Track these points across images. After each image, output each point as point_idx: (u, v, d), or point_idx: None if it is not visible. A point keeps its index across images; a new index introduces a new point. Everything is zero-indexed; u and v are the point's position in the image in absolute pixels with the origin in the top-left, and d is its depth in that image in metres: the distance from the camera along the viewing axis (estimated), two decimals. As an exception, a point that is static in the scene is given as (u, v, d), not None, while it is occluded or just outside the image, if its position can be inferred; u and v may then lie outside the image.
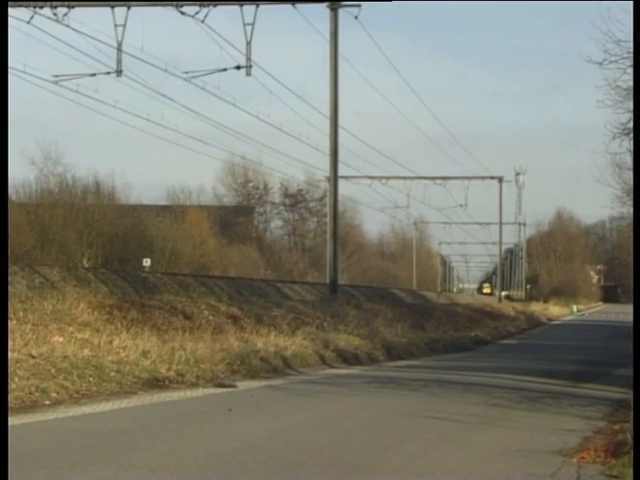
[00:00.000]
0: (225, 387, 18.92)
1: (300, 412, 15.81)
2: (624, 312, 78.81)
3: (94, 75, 33.64)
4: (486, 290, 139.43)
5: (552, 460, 11.55)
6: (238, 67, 33.26)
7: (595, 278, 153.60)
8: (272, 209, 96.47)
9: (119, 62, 32.80)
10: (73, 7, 31.71)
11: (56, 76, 33.96)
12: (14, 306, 21.49)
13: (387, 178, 70.39)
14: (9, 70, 21.77)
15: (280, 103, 46.31)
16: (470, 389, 19.68)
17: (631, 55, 19.84)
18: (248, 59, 32.90)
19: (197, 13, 31.98)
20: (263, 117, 39.83)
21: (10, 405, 14.18)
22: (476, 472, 10.93)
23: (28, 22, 31.40)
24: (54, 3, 31.53)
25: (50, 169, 51.40)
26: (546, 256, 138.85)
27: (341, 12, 38.81)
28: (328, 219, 43.13)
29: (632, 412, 12.91)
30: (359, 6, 37.48)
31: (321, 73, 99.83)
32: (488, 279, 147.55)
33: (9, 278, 23.65)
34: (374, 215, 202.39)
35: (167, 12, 33.26)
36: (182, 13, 32.15)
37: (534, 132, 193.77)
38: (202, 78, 34.51)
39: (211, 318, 27.00)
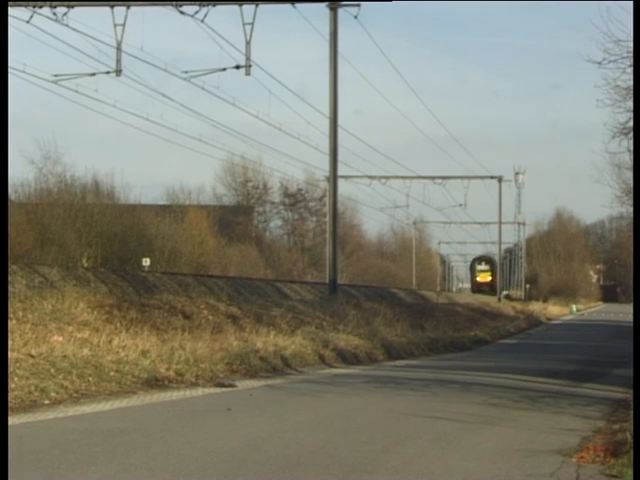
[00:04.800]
0: (224, 387, 18.92)
1: (300, 412, 15.80)
2: (623, 312, 78.88)
3: (94, 75, 33.65)
4: (482, 277, 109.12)
5: (551, 460, 11.55)
6: (237, 67, 33.28)
7: (594, 278, 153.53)
8: (272, 209, 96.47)
9: (119, 62, 32.81)
10: (72, 7, 31.71)
11: (56, 76, 33.98)
12: (14, 306, 21.50)
13: (387, 178, 70.39)
14: (9, 70, 21.76)
15: (280, 103, 46.40)
16: (470, 389, 19.68)
17: (631, 55, 19.85)
18: (247, 59, 32.92)
19: (196, 13, 32.02)
20: (263, 117, 39.85)
21: (10, 405, 14.18)
22: (476, 472, 10.93)
23: (27, 22, 31.42)
24: (53, 3, 31.53)
25: (49, 169, 51.36)
26: (545, 256, 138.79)
27: (341, 12, 38.86)
28: (328, 219, 43.15)
29: (632, 412, 12.92)
30: (359, 6, 37.52)
31: (321, 73, 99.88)
32: (485, 258, 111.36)
33: (9, 278, 23.65)
34: (374, 215, 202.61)
35: (166, 11, 33.35)
36: (181, 12, 32.18)
37: (534, 132, 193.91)
38: (202, 78, 34.56)
39: (210, 318, 27.00)
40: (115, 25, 32.12)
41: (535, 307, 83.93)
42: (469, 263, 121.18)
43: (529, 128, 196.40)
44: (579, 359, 29.82)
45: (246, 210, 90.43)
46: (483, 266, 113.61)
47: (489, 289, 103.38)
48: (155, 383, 18.54)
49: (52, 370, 17.11)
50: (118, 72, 32.97)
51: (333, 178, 40.52)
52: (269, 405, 16.44)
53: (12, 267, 26.07)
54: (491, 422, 14.75)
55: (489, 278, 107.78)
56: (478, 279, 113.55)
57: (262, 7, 32.57)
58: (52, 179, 49.93)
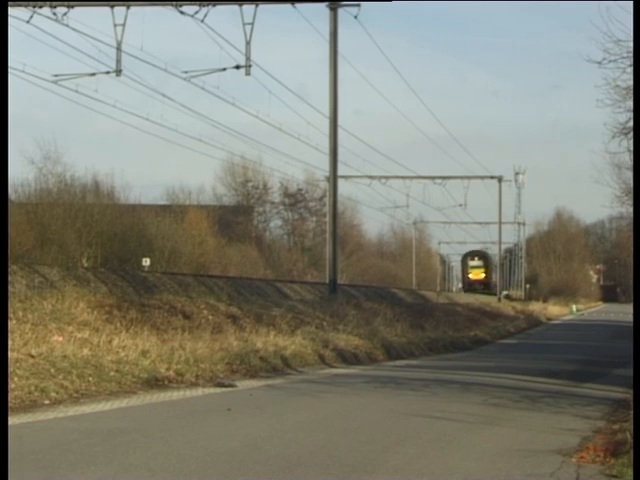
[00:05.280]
0: (224, 387, 18.92)
1: (300, 412, 15.80)
2: (623, 312, 78.87)
3: (94, 75, 33.65)
4: (475, 274, 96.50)
5: (551, 460, 11.55)
6: (237, 67, 33.28)
7: (594, 278, 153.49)
8: (272, 209, 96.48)
9: (119, 62, 32.81)
10: (72, 7, 31.71)
11: (56, 76, 33.97)
12: (14, 306, 21.50)
13: (387, 178, 70.36)
14: (9, 70, 21.76)
15: (280, 103, 46.40)
16: (470, 388, 19.68)
17: (631, 54, 19.85)
18: (247, 59, 32.92)
19: (196, 13, 32.02)
20: (263, 117, 39.84)
21: (10, 405, 14.18)
22: (476, 472, 10.93)
23: (27, 22, 31.42)
24: (53, 3, 31.53)
25: (49, 169, 51.39)
26: (545, 256, 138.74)
27: (341, 12, 38.85)
28: (328, 219, 43.14)
29: (632, 412, 12.92)
30: (359, 6, 37.52)
31: (321, 73, 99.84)
32: (478, 253, 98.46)
33: (9, 277, 23.65)
34: (373, 215, 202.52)
35: (166, 11, 33.36)
36: (181, 12, 32.18)
37: (534, 132, 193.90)
38: (202, 78, 34.55)
39: (210, 318, 27.00)
40: (115, 25, 32.13)
41: (535, 307, 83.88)
42: (461, 261, 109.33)
43: (529, 128, 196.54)
44: (579, 359, 29.82)
45: (246, 210, 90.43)
46: (476, 262, 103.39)
47: (483, 288, 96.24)
48: (155, 383, 18.53)
49: (52, 370, 17.11)
50: (118, 72, 32.96)
51: (333, 178, 40.53)
52: (269, 405, 16.44)
53: (12, 267, 26.07)
54: (491, 422, 14.75)
55: (482, 275, 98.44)
56: (470, 276, 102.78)
57: (262, 7, 32.58)
58: (52, 179, 49.99)
